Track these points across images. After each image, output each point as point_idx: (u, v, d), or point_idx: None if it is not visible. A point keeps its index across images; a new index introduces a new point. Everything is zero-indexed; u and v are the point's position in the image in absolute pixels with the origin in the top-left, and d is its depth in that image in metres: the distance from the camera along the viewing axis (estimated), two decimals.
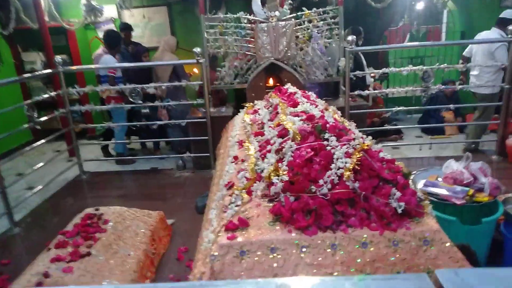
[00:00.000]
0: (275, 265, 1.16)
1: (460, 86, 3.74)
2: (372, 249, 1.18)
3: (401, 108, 3.84)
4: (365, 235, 1.18)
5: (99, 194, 3.74)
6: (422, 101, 3.79)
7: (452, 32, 6.62)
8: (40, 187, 3.59)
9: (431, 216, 1.27)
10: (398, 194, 1.23)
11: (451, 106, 3.90)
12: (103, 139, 5.08)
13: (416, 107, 4.15)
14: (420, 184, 2.20)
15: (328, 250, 1.17)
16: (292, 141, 1.50)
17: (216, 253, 1.16)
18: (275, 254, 1.16)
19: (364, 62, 4.85)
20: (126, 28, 5.11)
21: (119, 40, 4.68)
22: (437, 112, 5.72)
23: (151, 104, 3.91)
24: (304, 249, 1.17)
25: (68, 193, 3.77)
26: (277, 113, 2.05)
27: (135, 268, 2.19)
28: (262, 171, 1.48)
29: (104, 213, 2.50)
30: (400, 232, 1.19)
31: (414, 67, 3.73)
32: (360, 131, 1.72)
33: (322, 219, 1.21)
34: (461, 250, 1.18)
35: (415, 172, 2.35)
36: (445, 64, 3.76)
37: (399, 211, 1.21)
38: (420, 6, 6.75)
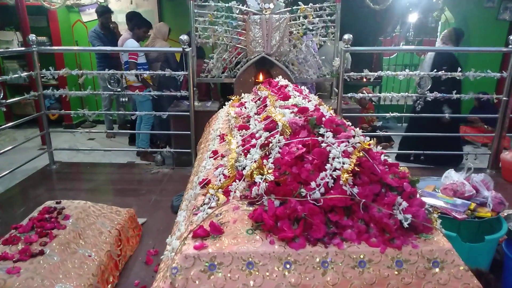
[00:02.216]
0: (251, 283, 0.93)
1: (457, 95, 3.59)
2: (371, 269, 0.96)
3: (395, 114, 3.67)
4: (363, 252, 0.97)
5: (67, 187, 3.44)
6: (417, 108, 3.62)
7: None
8: (4, 173, 3.28)
9: (440, 232, 1.07)
10: (405, 204, 1.03)
11: (446, 115, 3.74)
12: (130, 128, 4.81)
13: (409, 114, 3.98)
14: None
15: (318, 268, 0.95)
16: (280, 135, 1.29)
17: (178, 265, 0.93)
18: (252, 270, 0.94)
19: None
20: (105, 11, 4.83)
21: (140, 21, 4.41)
22: None
23: (131, 93, 3.65)
24: (288, 266, 0.95)
25: (34, 183, 3.47)
26: (266, 106, 1.83)
27: (94, 271, 1.94)
28: (243, 168, 1.26)
29: (65, 207, 2.23)
30: (405, 250, 0.98)
31: (411, 72, 3.57)
32: None
33: (312, 229, 1.00)
34: (477, 276, 0.98)
35: None
36: (442, 72, 3.60)
37: (405, 225, 1.00)
38: (413, 18, 6.69)
